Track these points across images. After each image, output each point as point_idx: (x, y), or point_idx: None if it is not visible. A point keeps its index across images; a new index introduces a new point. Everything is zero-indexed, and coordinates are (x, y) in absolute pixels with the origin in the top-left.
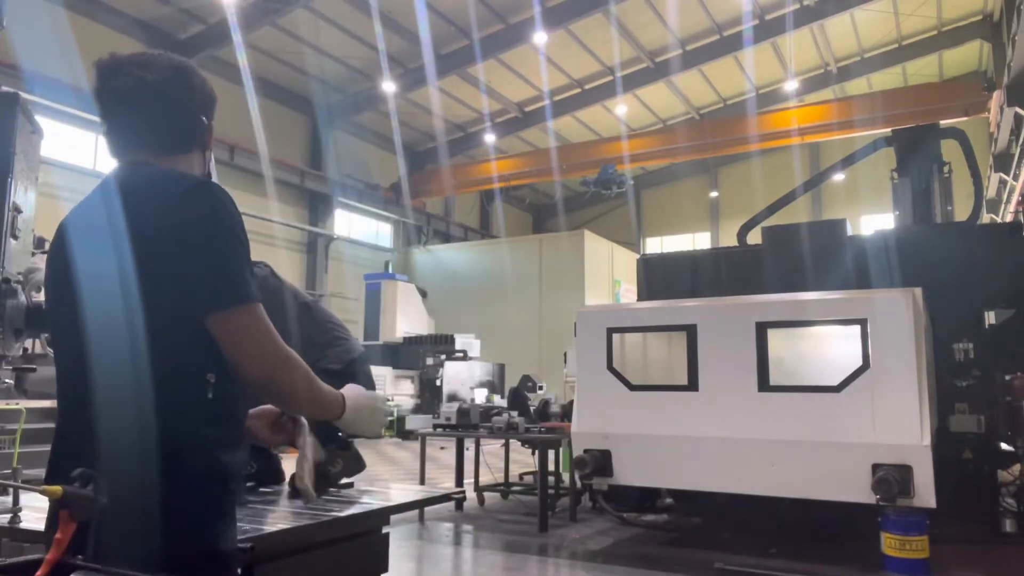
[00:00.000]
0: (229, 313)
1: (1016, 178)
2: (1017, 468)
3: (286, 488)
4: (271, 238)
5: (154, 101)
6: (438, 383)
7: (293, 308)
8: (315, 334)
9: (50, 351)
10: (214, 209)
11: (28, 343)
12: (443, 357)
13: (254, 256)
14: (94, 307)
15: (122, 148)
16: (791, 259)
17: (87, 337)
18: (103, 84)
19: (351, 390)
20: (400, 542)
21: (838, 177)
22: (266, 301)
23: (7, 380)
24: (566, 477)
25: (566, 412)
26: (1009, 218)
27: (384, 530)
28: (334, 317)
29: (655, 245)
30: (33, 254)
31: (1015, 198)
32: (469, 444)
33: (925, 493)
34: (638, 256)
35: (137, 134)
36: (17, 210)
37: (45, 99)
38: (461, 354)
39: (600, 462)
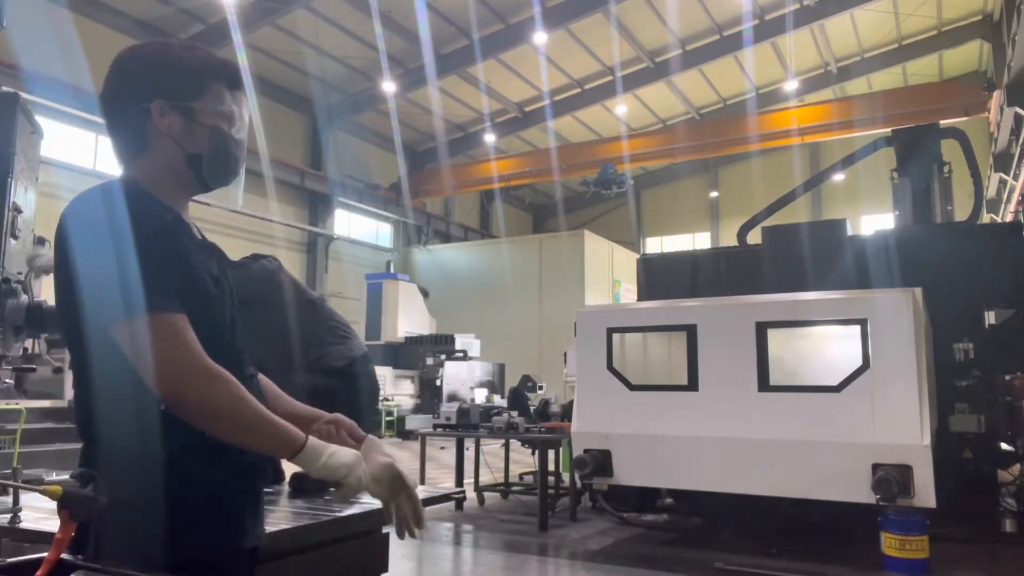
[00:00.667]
0: (121, 326)
1: (1016, 178)
2: (1017, 468)
3: (286, 488)
4: (271, 238)
5: (104, 114)
6: (438, 383)
7: (295, 305)
8: (319, 332)
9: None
10: (110, 219)
11: (28, 343)
12: (443, 357)
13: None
14: (77, 311)
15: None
16: (791, 259)
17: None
18: None
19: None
20: (400, 542)
21: (838, 177)
22: (270, 296)
23: (7, 380)
24: (566, 477)
25: (566, 412)
26: (1009, 218)
27: (384, 530)
28: (338, 315)
29: (655, 245)
30: None
31: (1015, 198)
32: (469, 444)
33: (925, 493)
34: (638, 256)
35: (112, 146)
36: (17, 210)
37: (45, 99)
38: (461, 354)
39: (600, 462)
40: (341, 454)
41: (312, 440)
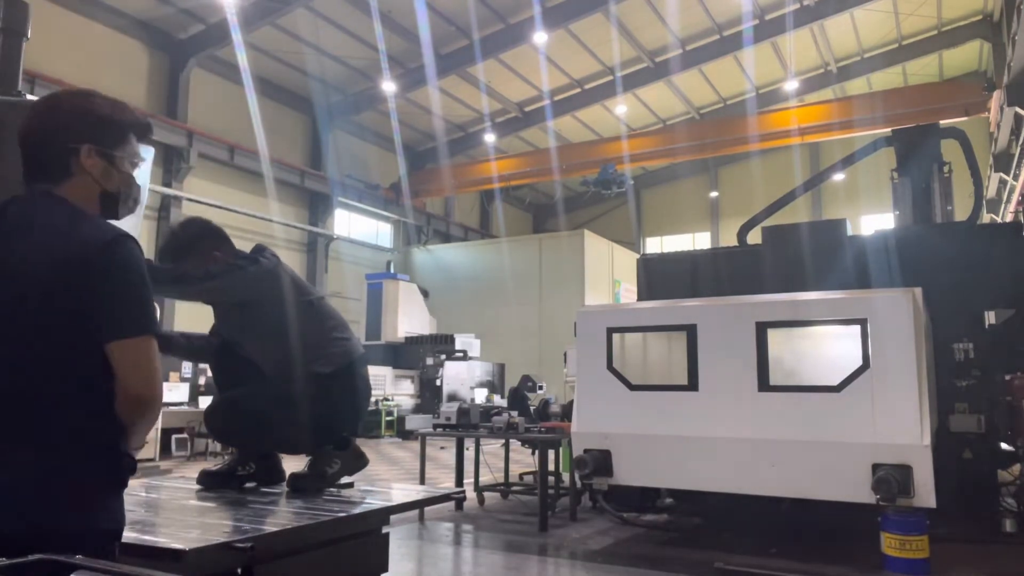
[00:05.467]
0: None
1: (1016, 178)
2: (1017, 468)
3: (285, 488)
4: (271, 238)
5: (32, 147)
6: (438, 383)
7: (293, 306)
8: (316, 333)
9: None
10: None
11: None
12: (443, 357)
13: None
14: None
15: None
16: (791, 259)
17: None
18: None
19: None
20: (400, 542)
21: (838, 177)
22: (268, 297)
23: None
24: (566, 477)
25: (566, 412)
26: (1009, 218)
27: (384, 530)
28: (336, 314)
29: (655, 245)
30: None
31: (1015, 198)
32: (469, 444)
33: (925, 493)
34: (638, 256)
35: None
36: None
37: None
38: (461, 354)
39: (600, 462)
40: None
41: None
